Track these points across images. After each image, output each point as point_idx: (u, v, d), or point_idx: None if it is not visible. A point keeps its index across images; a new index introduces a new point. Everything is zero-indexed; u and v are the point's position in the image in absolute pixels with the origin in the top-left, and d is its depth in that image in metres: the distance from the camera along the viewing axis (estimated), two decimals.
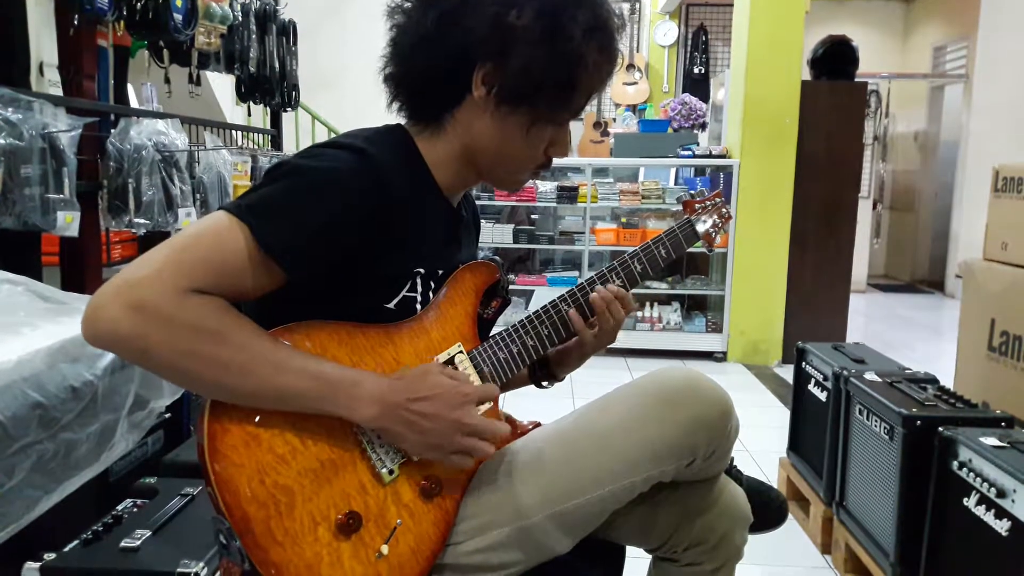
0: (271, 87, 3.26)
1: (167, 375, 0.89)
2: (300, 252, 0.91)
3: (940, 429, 1.61)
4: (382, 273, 0.99)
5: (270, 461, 0.89)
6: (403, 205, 0.98)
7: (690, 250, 1.26)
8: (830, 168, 4.28)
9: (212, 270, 0.87)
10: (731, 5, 4.61)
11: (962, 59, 6.99)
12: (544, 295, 4.11)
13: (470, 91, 1.01)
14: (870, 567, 1.87)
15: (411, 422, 0.92)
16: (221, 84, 4.84)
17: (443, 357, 1.04)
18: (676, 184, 4.93)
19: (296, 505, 0.90)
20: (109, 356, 1.48)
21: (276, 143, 3.77)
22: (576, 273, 4.67)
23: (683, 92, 6.39)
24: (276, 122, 3.77)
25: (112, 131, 2.24)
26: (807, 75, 4.37)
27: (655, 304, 4.58)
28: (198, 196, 2.58)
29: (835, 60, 4.38)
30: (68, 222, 1.93)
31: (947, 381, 2.12)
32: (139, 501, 1.52)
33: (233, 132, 3.38)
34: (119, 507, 1.49)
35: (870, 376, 2.02)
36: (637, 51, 7.13)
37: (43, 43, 2.09)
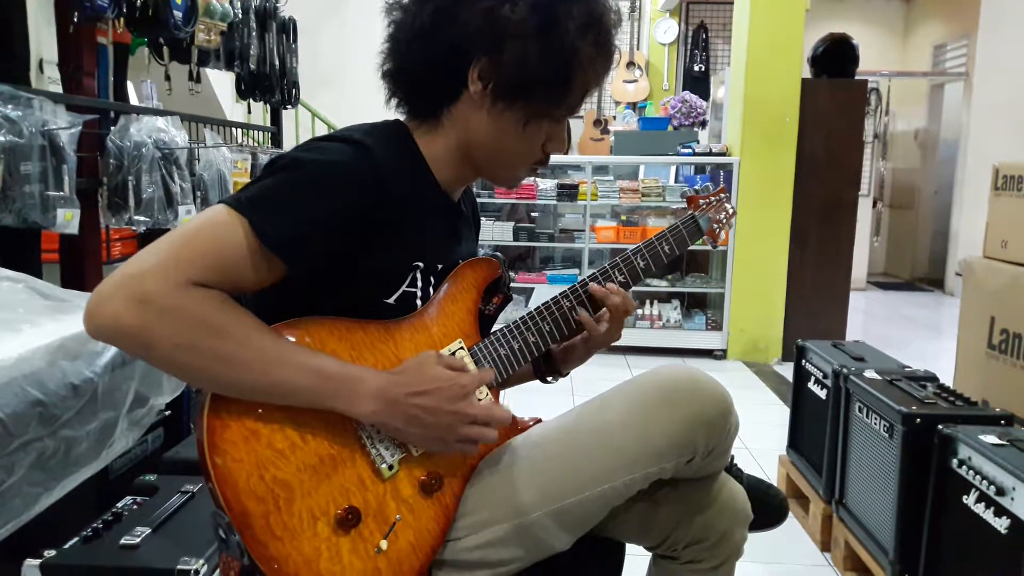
0: (271, 84, 3.26)
1: (168, 368, 0.89)
2: (300, 245, 0.91)
3: (940, 427, 1.61)
4: (381, 267, 0.99)
5: (270, 456, 0.89)
6: (402, 198, 0.99)
7: (692, 247, 1.26)
8: (830, 166, 4.28)
9: (213, 263, 0.87)
10: (731, 3, 4.61)
11: (962, 57, 6.99)
12: (544, 293, 4.11)
13: (466, 86, 1.01)
14: (870, 565, 1.87)
15: (412, 417, 0.92)
16: (221, 81, 4.84)
17: (444, 353, 1.04)
18: (676, 182, 4.93)
19: (295, 500, 0.90)
20: (109, 354, 1.48)
21: (276, 140, 3.78)
22: (576, 271, 4.67)
23: (683, 90, 6.38)
24: (276, 119, 3.77)
25: (112, 128, 2.24)
26: (807, 73, 4.37)
27: (655, 302, 4.58)
28: (198, 193, 2.58)
29: (835, 58, 4.38)
30: (68, 219, 1.93)
31: (947, 379, 2.12)
32: (139, 498, 1.52)
33: (233, 129, 3.38)
34: (119, 504, 1.49)
35: (870, 374, 2.02)
36: (637, 49, 7.13)
37: (43, 40, 2.09)
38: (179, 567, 1.27)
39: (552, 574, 1.06)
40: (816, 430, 2.25)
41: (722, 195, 1.28)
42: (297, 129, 5.52)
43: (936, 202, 7.56)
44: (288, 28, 3.35)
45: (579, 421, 1.07)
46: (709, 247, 1.38)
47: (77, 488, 1.43)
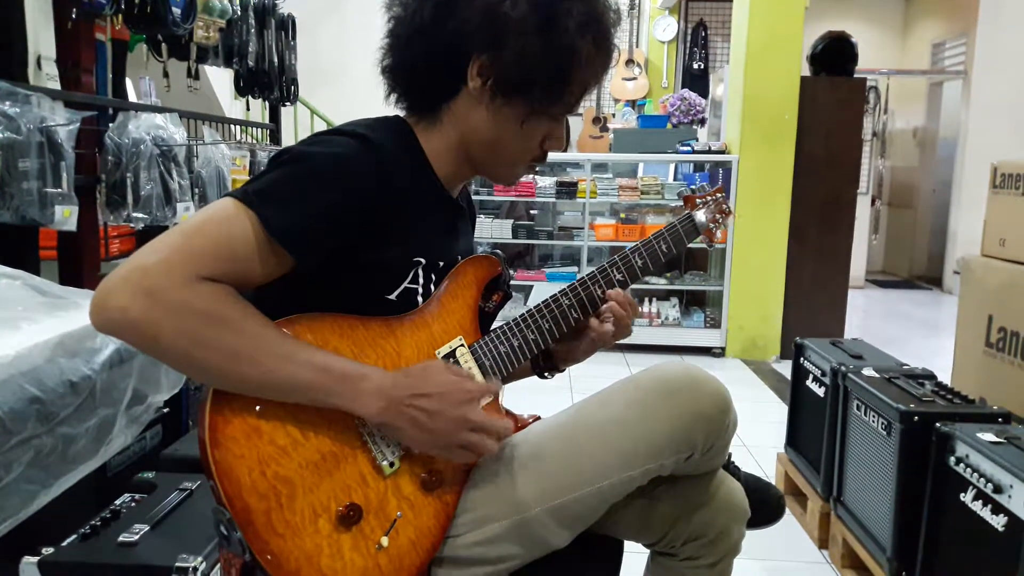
0: (270, 81, 3.26)
1: (175, 362, 0.89)
2: (306, 237, 0.91)
3: (937, 425, 1.62)
4: (383, 262, 0.99)
5: (271, 452, 0.89)
6: (405, 192, 0.99)
7: (690, 245, 1.27)
8: (829, 164, 4.28)
9: (221, 257, 0.87)
10: (730, 1, 4.61)
11: (961, 55, 6.99)
12: (543, 290, 4.11)
13: (466, 83, 1.02)
14: (867, 562, 1.88)
15: (415, 418, 0.92)
16: (220, 78, 4.84)
17: (444, 350, 1.04)
18: (675, 180, 4.93)
19: (297, 496, 0.90)
20: (107, 351, 1.47)
21: (275, 138, 3.77)
22: (575, 268, 4.67)
23: (682, 88, 6.38)
24: (275, 117, 3.77)
25: (110, 125, 2.24)
26: (806, 71, 4.37)
27: (654, 300, 4.58)
28: (196, 190, 2.58)
29: (834, 56, 4.37)
30: (66, 216, 1.93)
31: (945, 377, 2.13)
32: (137, 496, 1.52)
33: (232, 126, 3.38)
34: (117, 502, 1.49)
35: (868, 372, 2.02)
36: (636, 46, 7.12)
37: (41, 36, 2.08)
38: (177, 564, 1.27)
39: (551, 572, 1.06)
40: (814, 428, 2.25)
41: (719, 194, 1.29)
42: (296, 126, 5.52)
43: (934, 200, 7.56)
44: (287, 25, 3.34)
45: (578, 418, 1.07)
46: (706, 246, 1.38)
47: (75, 485, 1.43)
